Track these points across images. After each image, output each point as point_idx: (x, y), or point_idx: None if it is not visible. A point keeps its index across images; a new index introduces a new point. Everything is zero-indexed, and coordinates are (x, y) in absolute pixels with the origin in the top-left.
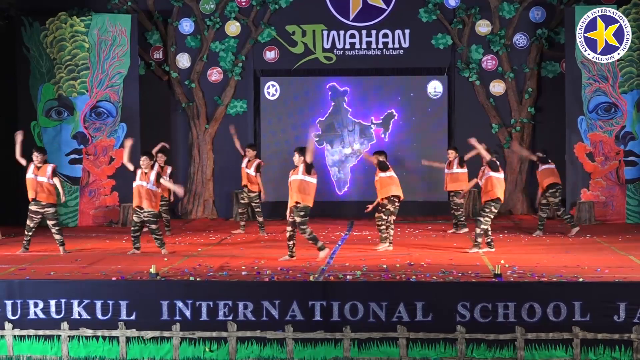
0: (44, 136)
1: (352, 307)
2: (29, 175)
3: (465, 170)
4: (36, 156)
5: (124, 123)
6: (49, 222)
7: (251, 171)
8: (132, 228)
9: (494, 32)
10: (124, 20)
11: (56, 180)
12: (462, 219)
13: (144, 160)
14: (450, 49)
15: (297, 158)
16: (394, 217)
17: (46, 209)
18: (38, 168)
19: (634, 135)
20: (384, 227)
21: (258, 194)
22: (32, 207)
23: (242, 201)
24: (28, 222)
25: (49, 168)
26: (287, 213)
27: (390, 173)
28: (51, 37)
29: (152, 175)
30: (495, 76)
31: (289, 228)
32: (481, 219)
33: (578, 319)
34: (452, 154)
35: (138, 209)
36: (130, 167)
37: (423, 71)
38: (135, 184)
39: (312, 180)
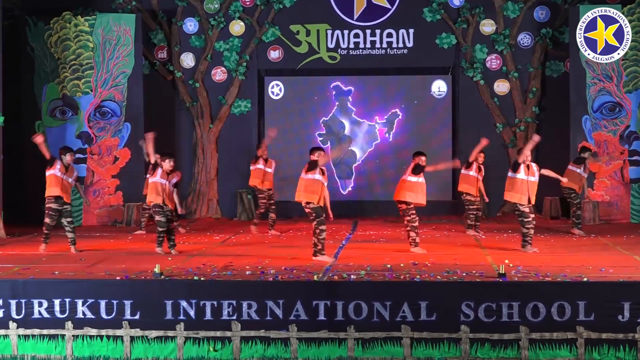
0: (48, 136)
1: (356, 306)
2: (56, 172)
3: None
4: (71, 155)
5: (128, 122)
6: (65, 220)
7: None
8: (162, 228)
9: (498, 32)
10: (128, 19)
11: (78, 185)
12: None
13: (170, 162)
14: (454, 48)
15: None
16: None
17: (65, 207)
18: (66, 168)
19: (639, 135)
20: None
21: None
22: (53, 205)
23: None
24: (48, 220)
25: (76, 172)
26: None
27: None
28: (55, 37)
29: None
30: (499, 76)
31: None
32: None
33: (582, 319)
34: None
35: (162, 206)
36: (152, 159)
37: (427, 71)
38: (157, 180)
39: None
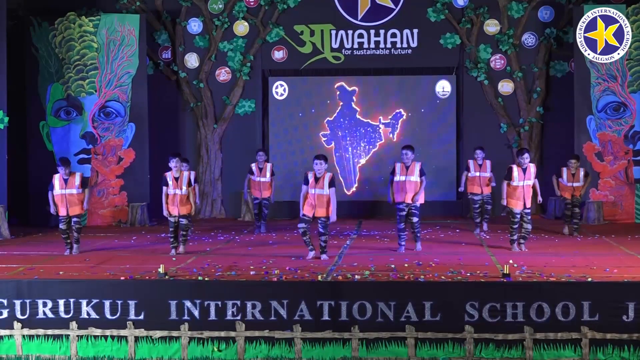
0: (52, 136)
1: (361, 306)
2: (55, 192)
3: None
4: (63, 168)
5: (132, 123)
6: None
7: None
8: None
9: (503, 32)
10: (132, 20)
11: (85, 192)
12: None
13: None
14: (458, 48)
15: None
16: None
17: (74, 219)
18: (65, 181)
19: None
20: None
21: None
22: (62, 226)
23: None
24: (63, 226)
25: (77, 177)
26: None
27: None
28: (60, 37)
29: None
30: (503, 76)
31: (303, 225)
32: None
33: (587, 319)
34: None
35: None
36: None
37: (431, 71)
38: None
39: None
